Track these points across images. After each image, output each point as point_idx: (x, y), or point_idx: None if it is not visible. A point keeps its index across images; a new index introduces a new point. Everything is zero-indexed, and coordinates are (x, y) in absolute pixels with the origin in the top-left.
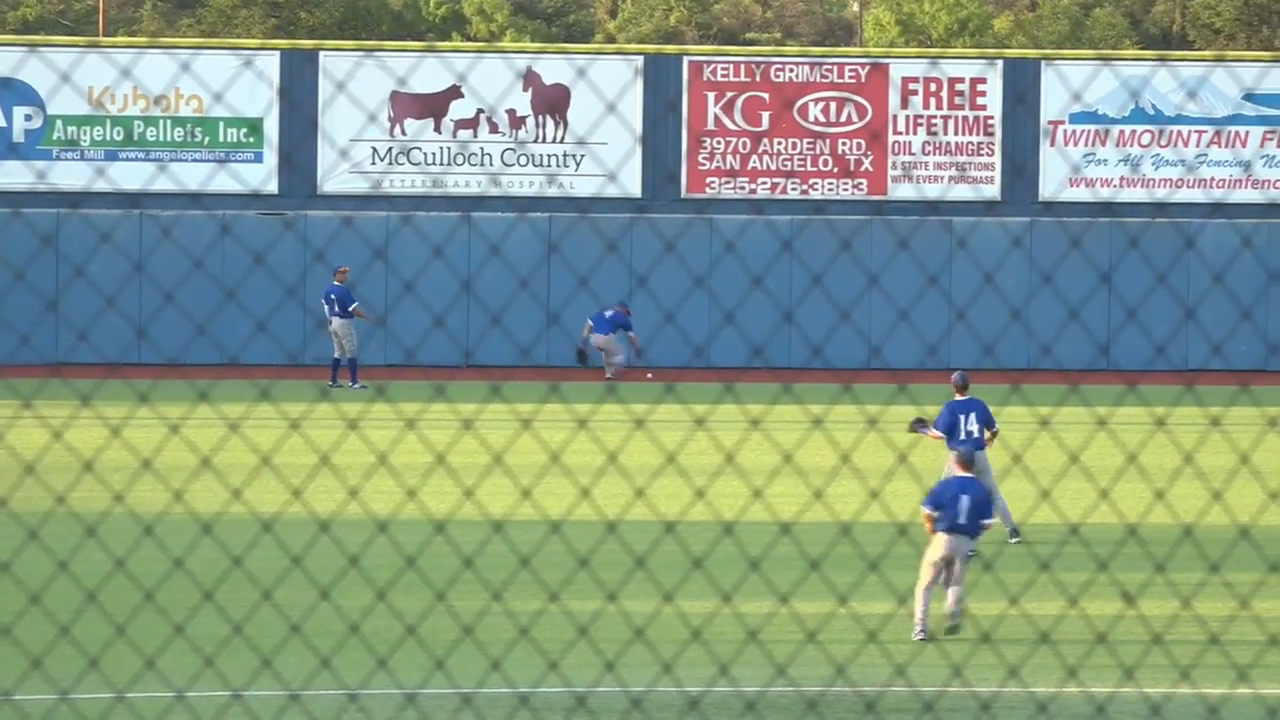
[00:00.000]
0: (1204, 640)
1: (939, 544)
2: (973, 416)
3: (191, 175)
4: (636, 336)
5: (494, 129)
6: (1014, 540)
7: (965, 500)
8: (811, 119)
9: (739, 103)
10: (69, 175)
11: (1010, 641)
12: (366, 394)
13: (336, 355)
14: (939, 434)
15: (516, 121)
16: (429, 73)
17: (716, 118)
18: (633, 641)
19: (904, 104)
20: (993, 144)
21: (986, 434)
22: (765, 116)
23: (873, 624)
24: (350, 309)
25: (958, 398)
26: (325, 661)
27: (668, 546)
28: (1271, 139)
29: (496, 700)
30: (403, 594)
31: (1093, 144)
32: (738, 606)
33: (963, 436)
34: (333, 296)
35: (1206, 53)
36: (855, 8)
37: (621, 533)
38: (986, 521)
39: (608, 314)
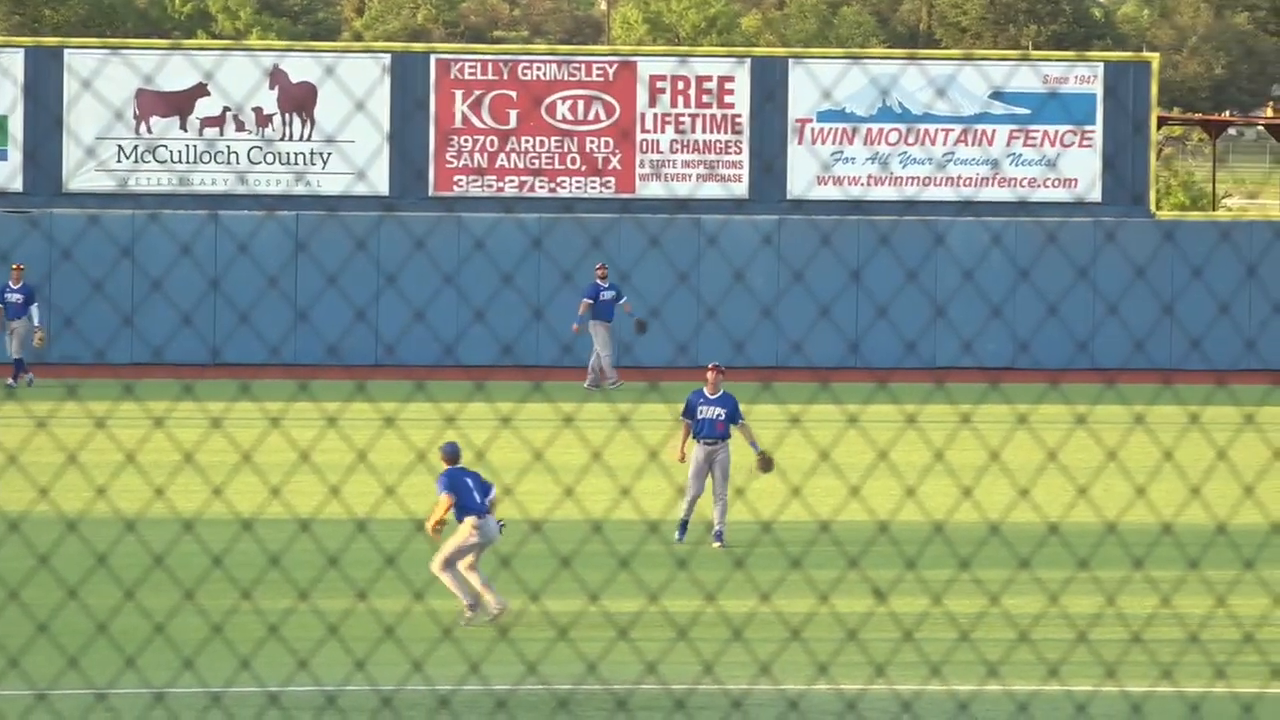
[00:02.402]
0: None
1: (468, 529)
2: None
3: None
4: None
5: (240, 127)
6: (717, 544)
7: (470, 481)
8: (559, 117)
9: (487, 101)
10: None
11: (761, 640)
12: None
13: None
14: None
15: (263, 120)
16: (175, 70)
17: (464, 116)
18: (383, 640)
19: (652, 102)
20: (741, 142)
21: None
22: (513, 115)
23: (623, 621)
24: None
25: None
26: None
27: (417, 545)
28: (1019, 137)
29: (245, 700)
30: (150, 593)
31: (841, 142)
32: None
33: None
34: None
35: (955, 51)
36: (603, 6)
37: (371, 531)
38: (490, 497)
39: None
